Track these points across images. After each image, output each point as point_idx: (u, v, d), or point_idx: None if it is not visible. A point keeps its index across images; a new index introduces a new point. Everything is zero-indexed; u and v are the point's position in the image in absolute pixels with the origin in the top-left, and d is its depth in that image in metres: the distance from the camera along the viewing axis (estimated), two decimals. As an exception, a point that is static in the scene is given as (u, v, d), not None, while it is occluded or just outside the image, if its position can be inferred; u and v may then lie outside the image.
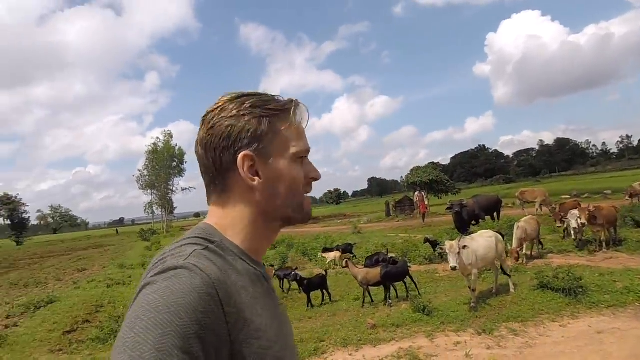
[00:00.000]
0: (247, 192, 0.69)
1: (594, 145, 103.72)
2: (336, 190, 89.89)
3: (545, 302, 5.38)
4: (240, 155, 0.67)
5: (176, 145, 53.90)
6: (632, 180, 18.33)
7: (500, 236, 6.16)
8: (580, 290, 5.39)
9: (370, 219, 27.38)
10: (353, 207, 69.48)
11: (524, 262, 8.02)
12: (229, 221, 0.69)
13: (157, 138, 52.67)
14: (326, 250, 10.86)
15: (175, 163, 53.67)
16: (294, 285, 7.77)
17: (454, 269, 5.18)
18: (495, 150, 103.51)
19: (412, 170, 29.14)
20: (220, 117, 0.68)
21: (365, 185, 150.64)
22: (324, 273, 7.23)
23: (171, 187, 53.95)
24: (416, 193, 20.29)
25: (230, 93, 0.72)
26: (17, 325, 8.12)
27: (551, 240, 9.86)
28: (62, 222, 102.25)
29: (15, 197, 60.78)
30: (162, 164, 51.64)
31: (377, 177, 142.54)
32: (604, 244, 8.39)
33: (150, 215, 56.74)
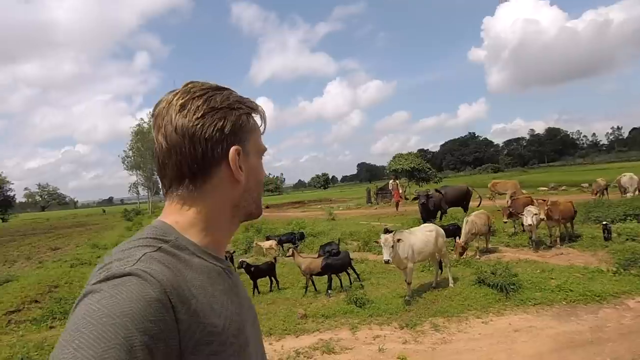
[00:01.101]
0: (228, 186, 0.68)
1: (584, 136, 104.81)
2: (324, 174, 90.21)
3: (477, 297, 5.43)
4: (233, 149, 0.66)
5: (162, 126, 52.95)
6: (618, 173, 18.45)
7: (442, 231, 6.16)
8: (513, 287, 5.44)
9: (349, 206, 27.47)
10: (340, 192, 69.63)
11: (478, 255, 8.10)
12: (194, 218, 0.66)
13: (142, 119, 51.85)
14: (269, 238, 10.82)
15: (162, 143, 52.86)
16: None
17: (386, 262, 5.18)
18: (486, 139, 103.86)
19: (394, 157, 29.19)
20: (209, 106, 0.65)
21: (354, 171, 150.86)
22: (272, 261, 7.23)
23: (157, 168, 53.33)
24: (390, 181, 20.27)
25: (200, 82, 0.69)
26: None
27: (509, 234, 9.95)
28: (50, 200, 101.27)
29: (0, 175, 59.71)
30: (147, 145, 50.92)
31: (367, 162, 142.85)
32: (558, 239, 8.49)
33: (135, 195, 56.28)
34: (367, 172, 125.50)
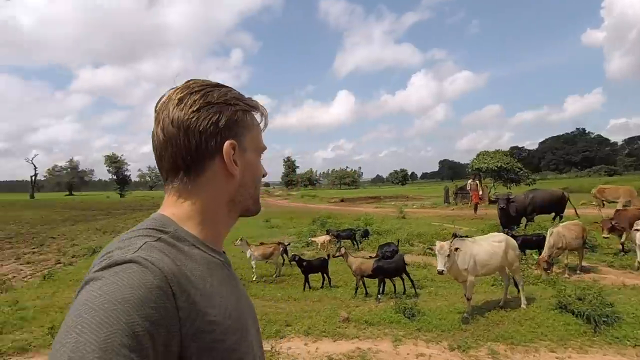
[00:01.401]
0: (222, 180, 0.68)
1: None
2: (402, 170, 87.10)
3: (555, 326, 4.51)
4: (227, 143, 0.67)
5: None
6: None
7: (513, 242, 5.27)
8: (606, 319, 4.40)
9: (423, 204, 25.98)
10: (417, 189, 66.61)
11: (567, 274, 6.86)
12: (191, 210, 0.67)
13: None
14: (329, 232, 10.51)
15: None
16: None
17: (440, 272, 4.59)
18: (599, 136, 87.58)
19: (478, 155, 26.63)
20: (206, 101, 0.66)
21: (436, 168, 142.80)
22: (325, 257, 7.04)
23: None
24: (469, 181, 18.50)
25: (202, 80, 0.70)
26: (71, 265, 9.49)
27: (614, 252, 8.23)
28: (157, 180, 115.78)
29: (120, 157, 70.30)
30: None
31: (451, 159, 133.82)
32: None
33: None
34: (450, 170, 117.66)
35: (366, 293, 6.22)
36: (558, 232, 6.42)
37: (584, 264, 7.31)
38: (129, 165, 71.81)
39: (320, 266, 6.90)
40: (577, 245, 6.67)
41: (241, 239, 7.62)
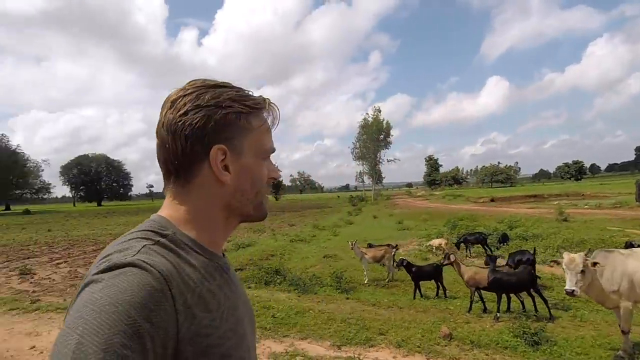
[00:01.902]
0: (212, 185, 0.67)
1: None
2: (576, 162, 71.17)
3: None
4: (214, 148, 0.65)
5: (383, 120, 56.91)
6: None
7: None
8: None
9: (600, 204, 20.61)
10: (599, 184, 53.60)
11: None
12: (186, 214, 0.66)
13: (367, 113, 57.08)
14: (466, 240, 9.19)
15: (382, 136, 56.88)
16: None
17: (569, 293, 3.50)
18: None
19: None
20: (194, 104, 0.64)
21: (631, 156, 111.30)
22: (438, 263, 6.34)
23: (379, 159, 57.79)
24: None
25: (202, 80, 0.69)
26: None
27: None
28: (305, 185, 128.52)
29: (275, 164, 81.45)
30: (371, 137, 55.81)
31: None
32: None
33: (361, 183, 62.85)
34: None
35: (484, 309, 5.30)
36: None
37: None
38: (280, 171, 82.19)
39: (433, 273, 6.25)
40: None
41: (354, 242, 7.61)
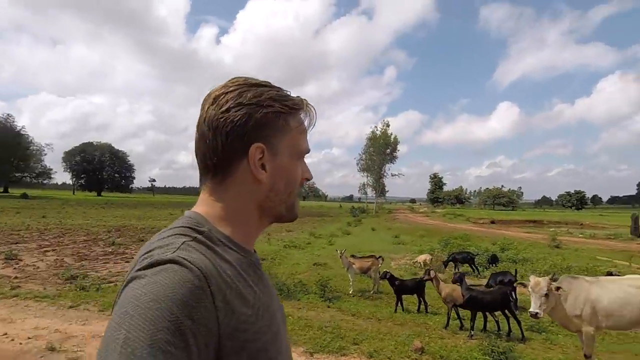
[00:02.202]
0: (249, 183, 0.67)
1: None
2: (578, 192, 71.01)
3: None
4: (253, 146, 0.65)
5: (391, 134, 57.17)
6: None
7: None
8: None
9: (594, 234, 20.61)
10: (599, 215, 53.38)
11: None
12: (222, 211, 0.67)
13: (375, 126, 57.37)
14: (454, 259, 9.29)
15: (389, 150, 57.10)
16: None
17: (533, 316, 3.64)
18: None
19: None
20: (237, 101, 0.65)
21: (632, 191, 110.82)
22: (420, 278, 6.47)
23: (383, 172, 57.91)
24: None
25: (244, 78, 0.70)
26: None
27: None
28: (309, 192, 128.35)
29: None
30: (378, 150, 56.00)
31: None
32: None
33: (364, 195, 62.85)
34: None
35: (461, 326, 5.43)
36: None
37: None
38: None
39: (415, 287, 6.38)
40: None
41: (343, 251, 7.77)
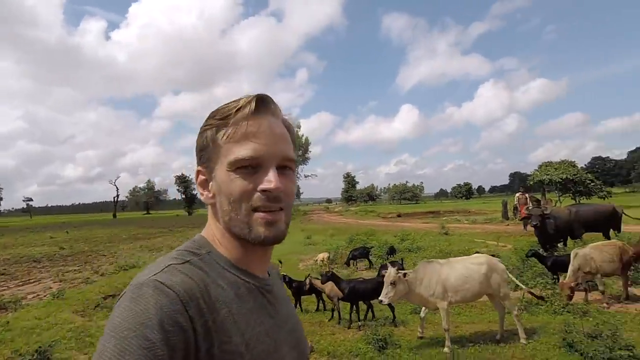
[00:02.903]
0: (208, 206, 0.69)
1: None
2: (466, 184, 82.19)
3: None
4: (195, 171, 0.69)
5: (302, 136, 58.26)
6: None
7: (498, 265, 4.45)
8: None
9: (475, 219, 23.92)
10: (483, 203, 61.85)
11: (605, 304, 5.67)
12: (216, 232, 0.68)
13: (285, 129, 57.75)
14: (354, 256, 9.91)
15: (301, 151, 58.12)
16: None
17: (380, 302, 4.11)
18: None
19: (541, 167, 24.02)
20: (199, 131, 0.69)
21: (506, 181, 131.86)
22: (319, 277, 6.67)
23: (297, 174, 58.70)
24: (517, 194, 16.58)
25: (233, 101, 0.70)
26: (90, 283, 9.52)
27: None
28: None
29: (188, 177, 76.05)
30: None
31: (523, 172, 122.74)
32: None
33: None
34: (521, 182, 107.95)
35: (350, 320, 5.73)
36: (585, 255, 5.35)
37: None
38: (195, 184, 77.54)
39: (312, 288, 6.54)
40: (611, 269, 5.48)
41: None
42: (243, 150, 0.63)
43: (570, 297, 5.26)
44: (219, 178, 0.65)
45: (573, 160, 23.09)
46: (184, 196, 73.99)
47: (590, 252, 5.42)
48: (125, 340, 0.48)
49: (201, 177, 0.68)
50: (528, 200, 14.40)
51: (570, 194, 22.97)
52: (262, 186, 0.62)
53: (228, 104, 0.67)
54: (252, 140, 0.63)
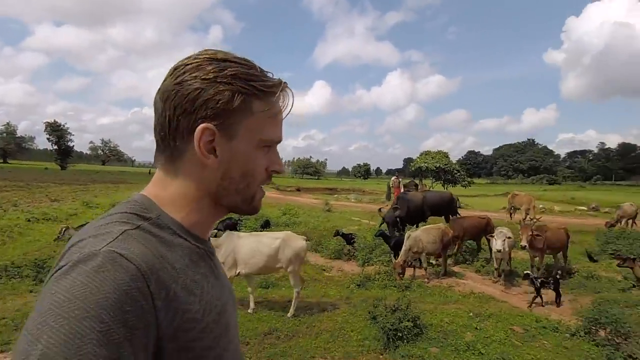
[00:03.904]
0: (197, 167, 0.61)
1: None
2: (365, 164, 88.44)
3: (353, 340, 4.05)
4: (200, 127, 0.58)
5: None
6: None
7: (294, 242, 4.69)
8: (403, 335, 3.97)
9: (361, 199, 25.90)
10: (377, 184, 67.51)
11: (427, 279, 6.55)
12: (171, 194, 0.61)
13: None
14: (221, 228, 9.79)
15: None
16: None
17: None
18: (545, 147, 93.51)
19: (421, 155, 26.94)
20: (193, 75, 0.59)
21: (401, 165, 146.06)
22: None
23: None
24: (392, 178, 18.45)
25: (216, 51, 0.63)
26: None
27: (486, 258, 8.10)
28: (111, 155, 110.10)
29: (63, 126, 64.77)
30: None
31: (415, 158, 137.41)
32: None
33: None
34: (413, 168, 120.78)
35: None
36: (415, 237, 6.07)
37: (456, 269, 7.18)
38: (72, 135, 65.88)
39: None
40: (434, 249, 6.35)
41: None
42: (275, 132, 0.65)
43: (401, 275, 5.92)
44: (242, 148, 0.62)
45: (446, 151, 26.39)
46: (56, 147, 63.05)
47: (420, 234, 6.17)
48: (76, 321, 0.42)
49: (207, 137, 0.59)
50: (400, 184, 16.04)
51: (442, 181, 26.32)
52: (276, 168, 0.66)
53: (257, 69, 0.63)
54: (280, 123, 0.66)
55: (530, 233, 6.55)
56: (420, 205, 9.65)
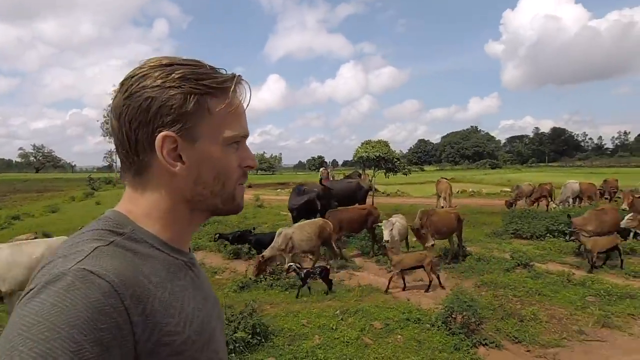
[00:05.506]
0: (166, 177, 0.59)
1: (590, 139, 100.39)
2: (319, 157, 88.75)
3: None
4: (159, 136, 0.57)
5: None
6: (605, 176, 16.36)
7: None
8: (235, 347, 3.51)
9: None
10: (329, 176, 68.04)
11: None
12: (144, 208, 0.60)
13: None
14: None
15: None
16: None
17: None
18: (487, 133, 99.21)
19: (362, 144, 26.91)
20: (140, 85, 0.57)
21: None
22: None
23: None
24: (321, 169, 18.23)
25: (160, 58, 0.60)
26: None
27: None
28: (45, 162, 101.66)
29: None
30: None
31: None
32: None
33: (114, 163, 54.99)
34: (368, 159, 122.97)
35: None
36: (286, 234, 5.65)
37: (358, 261, 6.96)
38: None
39: None
40: (309, 247, 5.97)
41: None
42: (239, 127, 0.63)
43: (257, 272, 5.47)
44: (209, 149, 0.60)
45: (380, 139, 26.62)
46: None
47: (292, 231, 5.75)
48: (46, 343, 0.40)
49: (169, 144, 0.57)
50: (330, 174, 15.80)
51: (383, 171, 26.56)
52: (249, 163, 0.65)
53: (206, 67, 0.60)
54: (243, 117, 0.64)
55: (424, 218, 6.45)
56: (313, 197, 9.28)
